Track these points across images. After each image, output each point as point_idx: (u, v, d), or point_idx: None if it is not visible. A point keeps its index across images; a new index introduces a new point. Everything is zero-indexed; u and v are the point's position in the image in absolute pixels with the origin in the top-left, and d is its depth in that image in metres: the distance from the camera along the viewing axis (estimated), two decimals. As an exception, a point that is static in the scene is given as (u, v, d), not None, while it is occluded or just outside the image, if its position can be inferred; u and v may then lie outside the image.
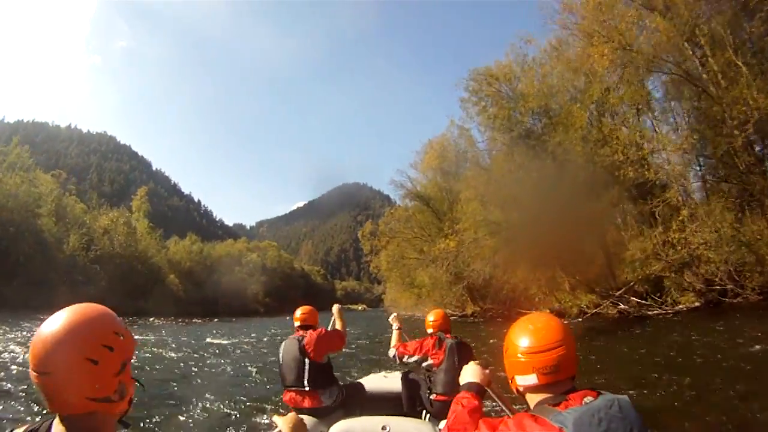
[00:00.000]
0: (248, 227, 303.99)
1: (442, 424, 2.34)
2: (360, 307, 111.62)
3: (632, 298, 15.43)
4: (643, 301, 15.31)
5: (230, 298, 52.97)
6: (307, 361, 3.31)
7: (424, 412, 3.51)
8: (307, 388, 3.29)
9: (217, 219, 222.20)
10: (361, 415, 3.17)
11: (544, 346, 1.19)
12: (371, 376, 4.49)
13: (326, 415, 3.28)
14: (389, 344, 3.89)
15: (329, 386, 3.39)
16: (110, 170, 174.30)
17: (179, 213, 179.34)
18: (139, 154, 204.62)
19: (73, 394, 0.86)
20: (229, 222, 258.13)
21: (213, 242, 72.53)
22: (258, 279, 66.51)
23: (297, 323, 3.57)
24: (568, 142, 15.84)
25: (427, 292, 28.31)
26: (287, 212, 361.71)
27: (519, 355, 1.22)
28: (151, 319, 30.11)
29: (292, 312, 3.67)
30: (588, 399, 1.12)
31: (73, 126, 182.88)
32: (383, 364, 7.44)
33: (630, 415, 1.09)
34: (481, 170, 19.94)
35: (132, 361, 0.96)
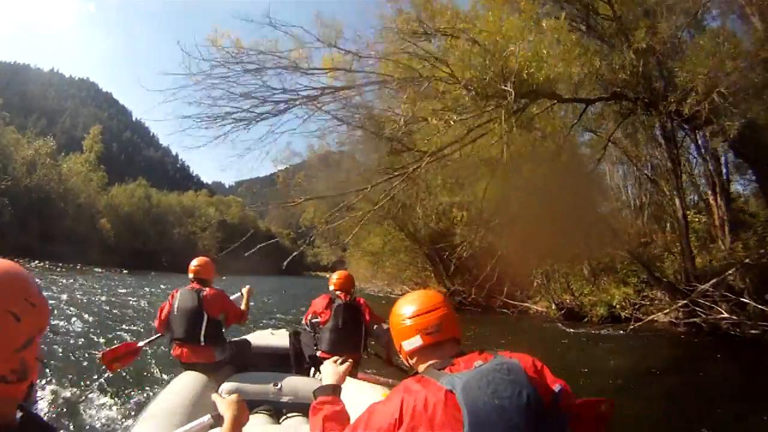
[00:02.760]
0: (227, 186, 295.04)
1: None
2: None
3: (746, 300, 7.90)
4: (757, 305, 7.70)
5: (175, 252, 48.98)
6: (205, 315, 3.15)
7: (312, 369, 3.52)
8: (202, 344, 3.13)
9: (194, 174, 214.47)
10: (248, 370, 3.23)
11: (426, 308, 1.23)
12: (257, 333, 4.42)
13: (215, 370, 3.15)
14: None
15: (222, 343, 3.29)
16: (86, 115, 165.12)
17: (153, 164, 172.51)
18: (120, 102, 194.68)
19: None
20: (208, 180, 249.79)
21: (170, 192, 67.65)
22: (213, 234, 62.25)
23: (191, 275, 3.36)
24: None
25: (380, 259, 20.46)
26: (269, 174, 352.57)
27: (403, 321, 1.25)
28: (60, 265, 25.65)
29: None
30: (478, 363, 1.12)
31: (55, 70, 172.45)
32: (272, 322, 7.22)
33: (519, 378, 1.07)
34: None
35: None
